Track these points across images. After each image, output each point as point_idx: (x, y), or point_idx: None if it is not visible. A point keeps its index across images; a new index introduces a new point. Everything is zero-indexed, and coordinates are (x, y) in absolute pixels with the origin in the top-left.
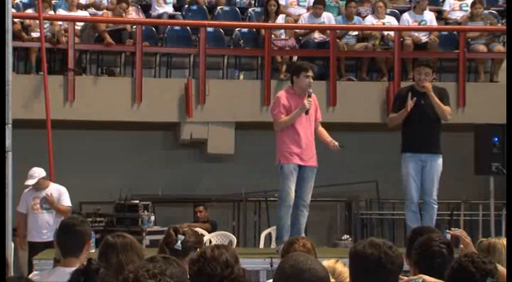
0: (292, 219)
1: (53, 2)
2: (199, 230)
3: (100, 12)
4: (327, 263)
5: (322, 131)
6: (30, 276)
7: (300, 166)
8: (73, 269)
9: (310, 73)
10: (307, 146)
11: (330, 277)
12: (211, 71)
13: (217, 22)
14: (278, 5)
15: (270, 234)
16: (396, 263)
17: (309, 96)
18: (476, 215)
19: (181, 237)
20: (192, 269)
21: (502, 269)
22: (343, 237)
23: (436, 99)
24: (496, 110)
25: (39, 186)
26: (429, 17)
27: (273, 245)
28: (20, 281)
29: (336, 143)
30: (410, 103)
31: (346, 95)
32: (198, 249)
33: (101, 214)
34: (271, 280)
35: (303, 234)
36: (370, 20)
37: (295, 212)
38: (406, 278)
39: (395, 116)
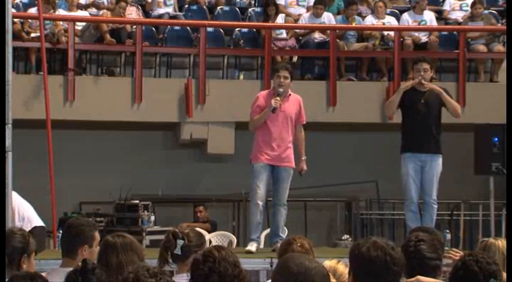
0: (271, 218)
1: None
2: (199, 230)
3: (100, 12)
4: (328, 263)
5: (301, 142)
6: None
7: (273, 166)
8: (69, 269)
9: (282, 73)
10: (280, 146)
11: (332, 277)
12: (211, 71)
13: (217, 22)
14: (277, 8)
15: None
16: (400, 264)
17: (278, 95)
18: (476, 215)
19: (180, 242)
20: (201, 268)
21: None
22: (343, 237)
23: (447, 97)
24: (496, 110)
25: None
26: (429, 17)
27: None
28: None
29: (304, 168)
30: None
31: (346, 95)
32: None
33: (101, 214)
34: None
35: (284, 232)
36: (370, 20)
37: (273, 211)
38: (404, 280)
39: (390, 100)
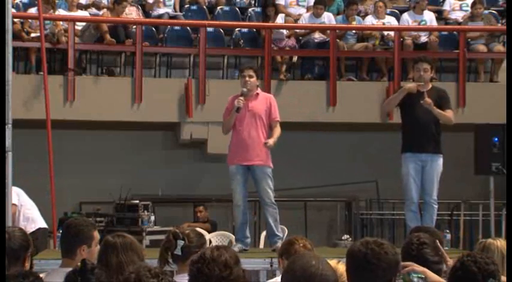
0: (265, 219)
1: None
2: (200, 230)
3: (100, 12)
4: None
5: (275, 132)
6: None
7: (248, 167)
8: (68, 269)
9: (246, 72)
10: (250, 145)
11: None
12: (211, 71)
13: (217, 22)
14: (276, 8)
15: None
16: (383, 260)
17: (242, 95)
18: (476, 215)
19: (180, 242)
20: (191, 269)
21: None
22: (343, 237)
23: (437, 111)
24: (496, 110)
25: None
26: (429, 17)
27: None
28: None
29: (269, 142)
30: (414, 86)
31: (346, 95)
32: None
33: (101, 214)
34: (274, 279)
35: (282, 231)
36: (370, 20)
37: (263, 211)
38: (409, 263)
39: (391, 97)
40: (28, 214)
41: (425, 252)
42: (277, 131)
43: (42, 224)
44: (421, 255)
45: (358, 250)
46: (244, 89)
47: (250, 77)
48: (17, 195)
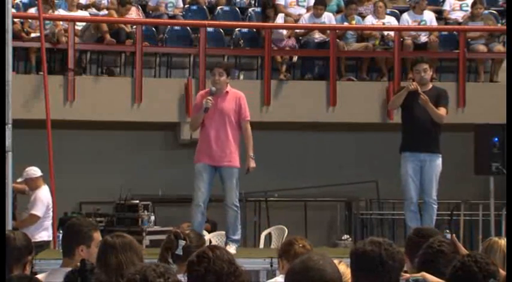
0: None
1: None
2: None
3: (101, 13)
4: None
5: (247, 139)
6: None
7: (215, 167)
8: (69, 269)
9: (216, 71)
10: (218, 146)
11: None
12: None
13: (217, 22)
14: (275, 9)
15: (270, 234)
16: (397, 260)
17: (211, 94)
18: (476, 215)
19: (182, 242)
20: (196, 270)
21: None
22: (343, 237)
23: (431, 107)
24: (496, 110)
25: (29, 187)
26: (429, 17)
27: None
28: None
29: (251, 166)
30: (413, 85)
31: (346, 95)
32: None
33: (101, 214)
34: (274, 279)
35: (237, 234)
36: (370, 20)
37: (224, 212)
38: (407, 275)
39: (396, 96)
40: (39, 223)
41: (439, 262)
42: (249, 134)
43: (49, 237)
44: (436, 262)
45: (372, 250)
46: (213, 88)
47: (220, 75)
48: (45, 208)
